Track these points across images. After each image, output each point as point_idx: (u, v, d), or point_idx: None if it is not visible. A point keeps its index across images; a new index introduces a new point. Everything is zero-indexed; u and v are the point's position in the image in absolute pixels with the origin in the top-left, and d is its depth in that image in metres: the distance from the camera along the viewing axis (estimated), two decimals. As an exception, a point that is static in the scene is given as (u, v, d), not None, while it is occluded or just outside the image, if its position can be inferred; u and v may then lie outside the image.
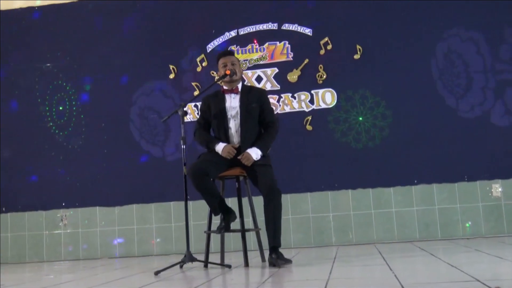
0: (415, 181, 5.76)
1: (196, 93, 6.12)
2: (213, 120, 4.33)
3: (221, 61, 4.34)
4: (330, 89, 5.99)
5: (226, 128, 4.25)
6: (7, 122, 6.49)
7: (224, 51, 4.63)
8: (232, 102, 4.30)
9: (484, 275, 2.86)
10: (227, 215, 4.20)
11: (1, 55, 6.57)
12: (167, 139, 6.10)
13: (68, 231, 6.26)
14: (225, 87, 4.35)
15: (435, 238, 5.65)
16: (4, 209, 6.37)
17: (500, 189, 5.63)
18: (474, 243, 4.92)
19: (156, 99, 6.26)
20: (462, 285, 2.58)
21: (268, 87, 6.06)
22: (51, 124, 6.43)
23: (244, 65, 6.07)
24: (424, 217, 5.71)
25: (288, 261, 3.88)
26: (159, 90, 6.28)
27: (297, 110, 6.02)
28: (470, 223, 5.63)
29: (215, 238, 4.89)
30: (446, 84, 5.81)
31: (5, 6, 6.64)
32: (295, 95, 6.04)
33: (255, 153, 4.12)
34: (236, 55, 5.08)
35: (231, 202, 4.95)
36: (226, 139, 4.24)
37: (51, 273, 4.77)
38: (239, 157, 4.12)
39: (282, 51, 6.10)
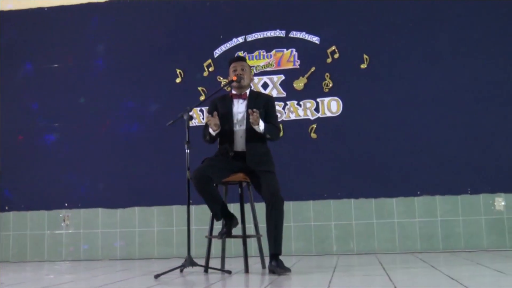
0: (418, 193, 5.75)
1: (202, 98, 6.13)
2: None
3: (231, 66, 4.38)
4: (336, 97, 5.99)
5: (231, 132, 4.26)
6: (11, 123, 6.51)
7: (236, 57, 4.68)
8: (240, 107, 4.32)
9: (484, 289, 2.86)
10: (229, 220, 4.20)
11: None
12: (171, 143, 6.08)
13: (70, 231, 6.27)
14: (233, 92, 4.37)
15: (437, 250, 5.63)
16: (7, 207, 6.39)
17: (503, 203, 5.61)
18: (475, 256, 4.91)
19: (162, 103, 6.27)
20: (462, 298, 2.58)
21: (274, 94, 6.07)
22: (56, 124, 6.44)
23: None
24: (426, 228, 5.70)
25: (287, 270, 3.87)
26: (166, 94, 6.28)
27: (302, 117, 6.02)
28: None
29: (216, 243, 4.89)
30: (452, 94, 5.81)
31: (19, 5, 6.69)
32: (301, 102, 6.04)
33: (261, 124, 4.13)
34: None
35: (234, 208, 4.95)
36: (231, 143, 4.24)
37: (52, 273, 4.78)
38: (249, 110, 4.08)
39: (289, 58, 6.12)
